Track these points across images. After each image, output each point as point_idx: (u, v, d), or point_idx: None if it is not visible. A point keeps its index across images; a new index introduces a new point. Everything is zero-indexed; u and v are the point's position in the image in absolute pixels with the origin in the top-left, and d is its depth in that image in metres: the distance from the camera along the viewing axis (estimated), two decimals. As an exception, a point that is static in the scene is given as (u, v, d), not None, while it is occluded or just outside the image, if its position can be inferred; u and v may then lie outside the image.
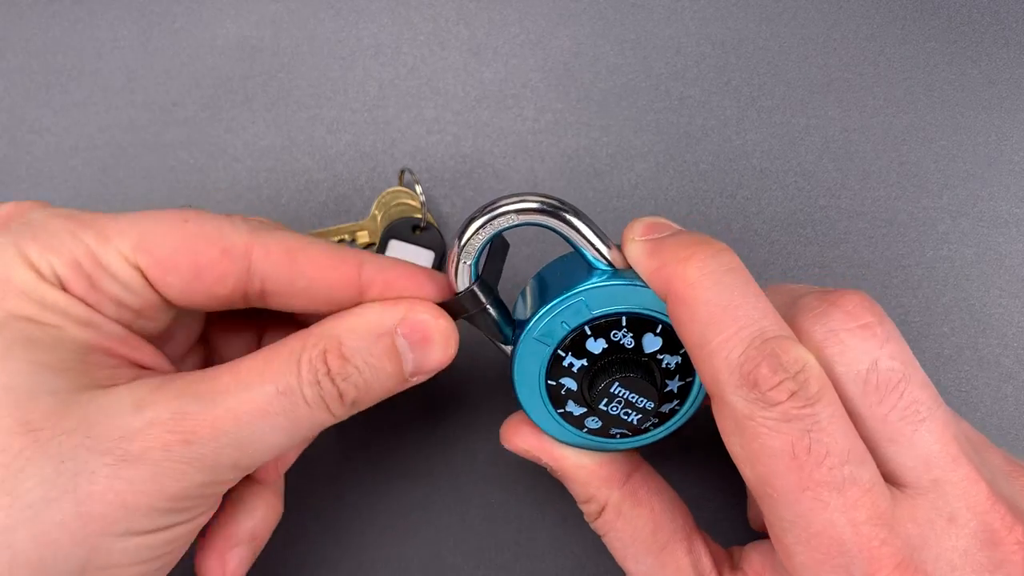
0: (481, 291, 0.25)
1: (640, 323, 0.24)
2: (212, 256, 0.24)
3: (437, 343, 0.24)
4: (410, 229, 0.33)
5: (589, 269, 0.24)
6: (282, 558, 0.32)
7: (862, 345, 0.21)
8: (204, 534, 0.27)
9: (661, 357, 0.25)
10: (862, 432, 0.21)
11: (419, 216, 0.33)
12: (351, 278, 0.24)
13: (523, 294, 0.27)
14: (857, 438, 0.21)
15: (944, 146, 0.34)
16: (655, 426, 0.26)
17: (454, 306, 0.25)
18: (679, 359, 0.25)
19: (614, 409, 0.25)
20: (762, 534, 0.26)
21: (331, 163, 0.34)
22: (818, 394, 0.20)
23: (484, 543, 0.32)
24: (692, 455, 0.32)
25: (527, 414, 0.26)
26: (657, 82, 0.34)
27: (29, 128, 0.34)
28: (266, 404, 0.22)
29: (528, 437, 0.27)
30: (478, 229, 0.23)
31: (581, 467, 0.27)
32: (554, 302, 0.24)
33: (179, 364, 0.27)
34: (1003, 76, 0.34)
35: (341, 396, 0.23)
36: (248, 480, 0.27)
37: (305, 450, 0.33)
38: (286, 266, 0.24)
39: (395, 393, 0.24)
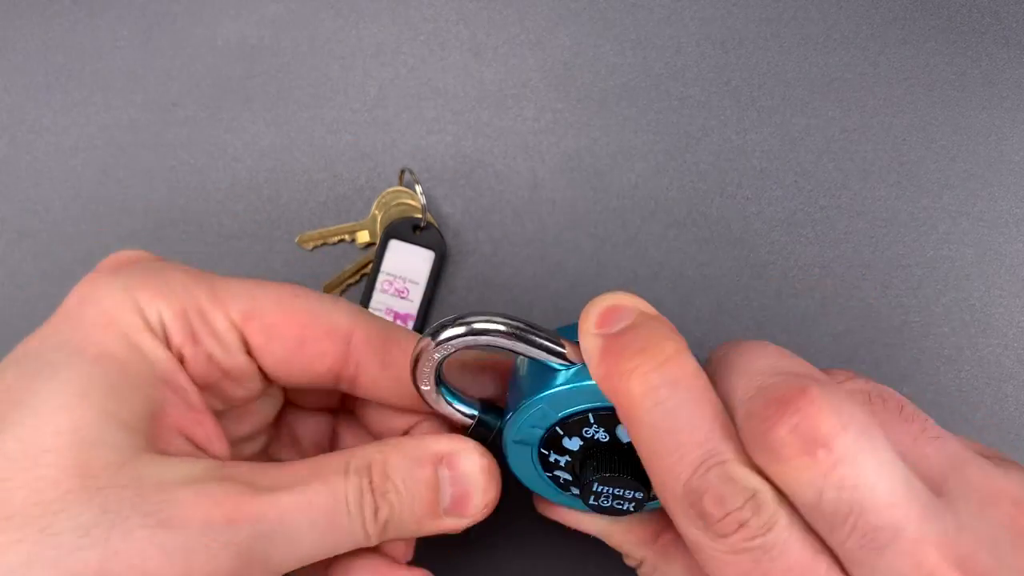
0: (486, 417, 0.25)
1: (609, 417, 0.23)
2: (317, 333, 0.24)
3: (478, 481, 0.24)
4: (410, 229, 0.33)
5: (548, 373, 0.24)
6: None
7: (804, 476, 0.19)
8: None
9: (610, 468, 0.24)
10: (825, 549, 0.19)
11: (419, 216, 0.33)
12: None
13: (512, 379, 0.26)
14: (819, 556, 0.19)
15: (944, 146, 0.34)
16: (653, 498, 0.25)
17: (475, 437, 0.25)
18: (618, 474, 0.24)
19: (605, 503, 0.24)
20: None
21: (331, 163, 0.34)
22: (769, 521, 0.19)
23: (484, 543, 0.32)
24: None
25: (544, 497, 0.27)
26: (657, 82, 0.34)
27: (29, 128, 0.34)
28: (312, 500, 0.22)
29: (559, 511, 0.28)
30: (424, 362, 0.23)
31: (610, 535, 0.28)
32: (519, 408, 0.24)
33: (238, 446, 0.27)
34: (1003, 76, 0.34)
35: (376, 511, 0.23)
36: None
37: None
38: (381, 354, 0.25)
39: (427, 533, 0.24)
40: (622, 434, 0.24)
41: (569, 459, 0.25)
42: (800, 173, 0.34)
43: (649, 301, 0.23)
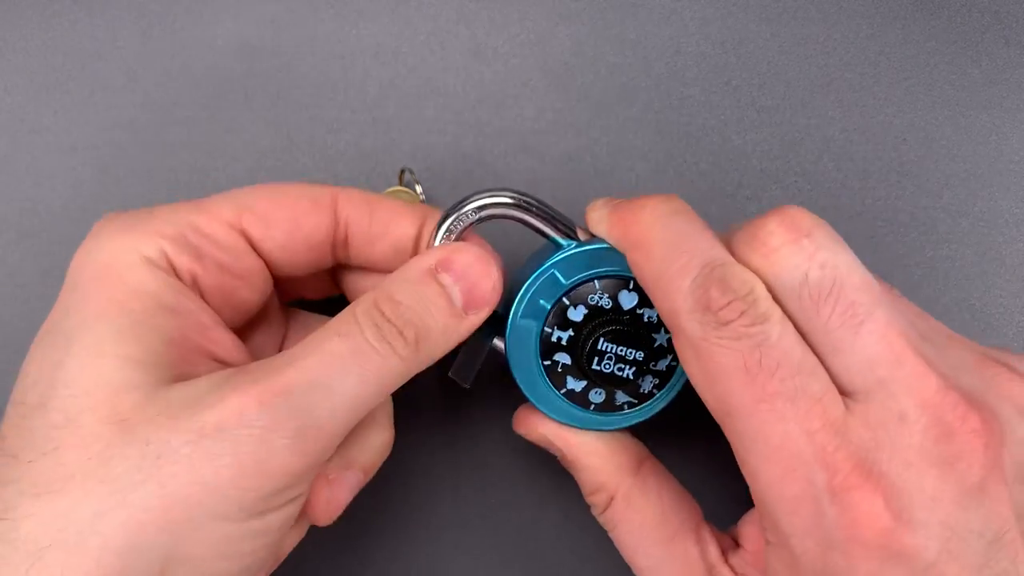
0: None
1: (612, 282, 0.26)
2: (305, 207, 0.26)
3: (477, 269, 0.25)
4: (410, 229, 0.33)
5: (556, 248, 0.26)
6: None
7: (791, 260, 0.22)
8: None
9: (641, 311, 0.26)
10: (811, 345, 0.22)
11: (419, 216, 0.33)
12: (415, 229, 0.26)
13: (508, 289, 0.27)
14: (807, 351, 0.21)
15: (944, 146, 0.34)
16: (658, 388, 0.27)
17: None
18: (626, 327, 0.26)
19: (607, 367, 0.26)
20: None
21: (331, 163, 0.34)
22: (766, 313, 0.21)
23: (484, 543, 0.32)
24: (693, 450, 0.32)
25: (535, 404, 0.27)
26: (657, 82, 0.34)
27: (29, 128, 0.34)
28: (334, 353, 0.22)
29: (541, 423, 0.28)
30: (447, 231, 0.26)
31: (593, 452, 0.27)
32: (528, 281, 0.26)
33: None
34: (1003, 76, 0.34)
35: (402, 334, 0.23)
36: None
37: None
38: (366, 213, 0.26)
39: (460, 337, 0.25)
40: (624, 300, 0.26)
41: (572, 334, 0.26)
42: (800, 173, 0.34)
43: (649, 301, 0.23)
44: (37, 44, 0.35)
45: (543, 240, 0.27)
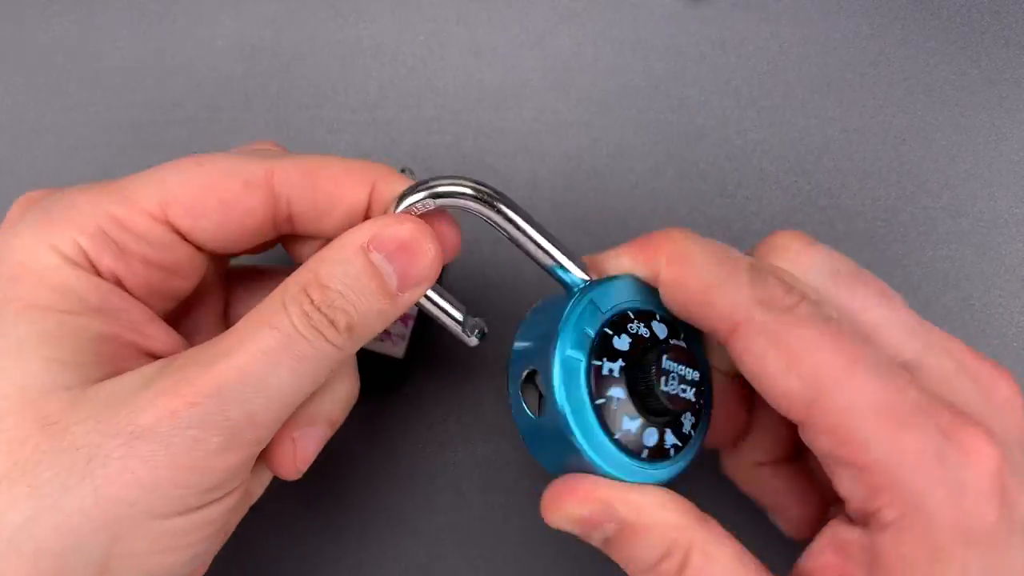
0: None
1: (643, 314, 0.24)
2: (235, 190, 0.24)
3: (411, 247, 0.23)
4: (410, 229, 0.33)
5: (568, 290, 0.24)
6: (282, 558, 0.32)
7: (816, 258, 0.24)
8: None
9: (674, 343, 0.24)
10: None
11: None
12: (366, 194, 0.25)
13: (516, 350, 0.25)
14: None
15: (944, 146, 0.34)
16: (694, 427, 0.25)
17: None
18: (684, 344, 0.25)
19: (672, 388, 0.23)
20: (805, 541, 0.25)
21: (331, 163, 0.34)
22: (819, 299, 0.23)
23: (484, 543, 0.32)
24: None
25: (593, 458, 0.23)
26: (657, 82, 0.34)
27: (30, 128, 0.34)
28: (263, 347, 0.21)
29: (592, 490, 0.23)
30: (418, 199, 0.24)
31: (663, 506, 0.23)
32: (567, 313, 0.23)
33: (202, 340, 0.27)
34: (1003, 76, 0.34)
35: (333, 323, 0.22)
36: None
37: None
38: (308, 186, 0.24)
39: (396, 315, 0.23)
40: (659, 330, 0.24)
41: (623, 363, 0.23)
42: (800, 173, 0.34)
43: (649, 301, 0.23)
44: (37, 44, 0.35)
45: (536, 294, 0.26)
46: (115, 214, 0.23)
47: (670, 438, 0.24)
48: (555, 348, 0.23)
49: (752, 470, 0.28)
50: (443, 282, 0.29)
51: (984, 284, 0.34)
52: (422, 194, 0.24)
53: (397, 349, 0.33)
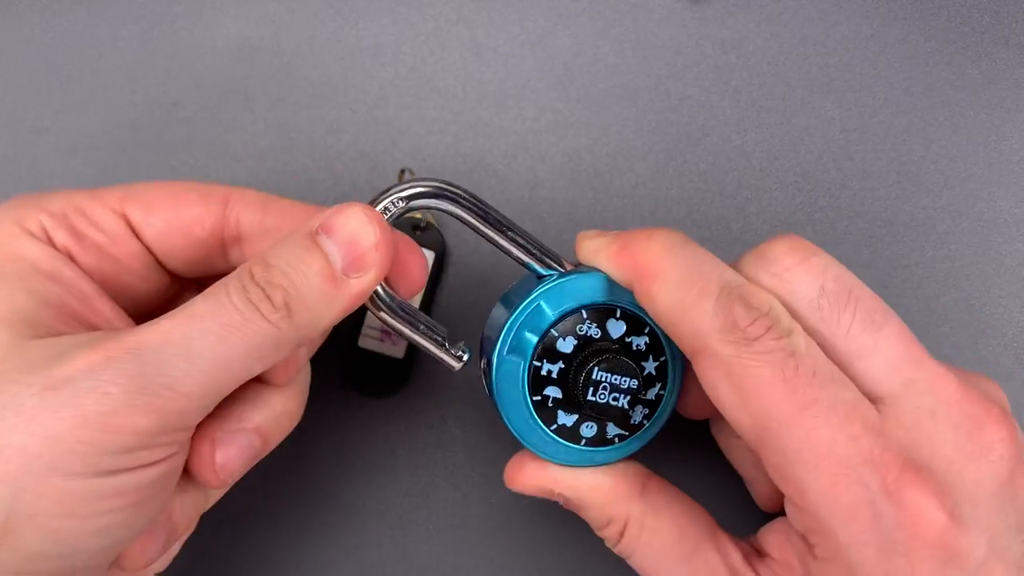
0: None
1: (599, 312, 0.25)
2: (191, 198, 0.26)
3: (358, 231, 0.23)
4: (410, 229, 0.33)
5: (538, 279, 0.26)
6: (281, 558, 0.32)
7: (805, 277, 0.23)
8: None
9: (630, 340, 0.26)
10: (832, 358, 0.22)
11: (419, 216, 0.33)
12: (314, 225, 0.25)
13: (487, 326, 0.27)
14: (832, 363, 0.22)
15: (944, 146, 0.34)
16: (647, 417, 0.26)
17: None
18: (647, 339, 0.26)
19: (602, 397, 0.25)
20: (776, 514, 0.26)
21: (331, 163, 0.34)
22: (789, 327, 0.22)
23: (484, 543, 0.32)
24: (694, 460, 0.32)
25: (523, 441, 0.26)
26: (657, 82, 0.34)
27: (29, 128, 0.34)
28: (191, 315, 0.21)
29: (536, 473, 0.27)
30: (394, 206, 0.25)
31: (596, 488, 0.26)
32: (515, 314, 0.25)
33: None
34: (1003, 76, 0.34)
35: (269, 298, 0.22)
36: (257, 380, 0.26)
37: (302, 450, 0.33)
38: (259, 211, 0.26)
39: (346, 303, 0.23)
40: (613, 329, 0.25)
41: (563, 366, 0.25)
42: (800, 173, 0.34)
43: (649, 301, 0.24)
44: (37, 44, 0.35)
45: (526, 273, 0.26)
46: (78, 203, 0.25)
47: (613, 429, 0.26)
48: (495, 350, 0.25)
49: (731, 441, 0.29)
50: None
51: (984, 284, 0.34)
52: (389, 198, 0.25)
53: (397, 349, 0.33)
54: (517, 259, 0.26)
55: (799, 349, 0.21)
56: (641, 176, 0.34)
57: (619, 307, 0.25)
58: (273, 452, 0.32)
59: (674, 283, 0.23)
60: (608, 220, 0.34)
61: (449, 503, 0.32)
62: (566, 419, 0.26)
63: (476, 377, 0.33)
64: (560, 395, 0.26)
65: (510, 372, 0.25)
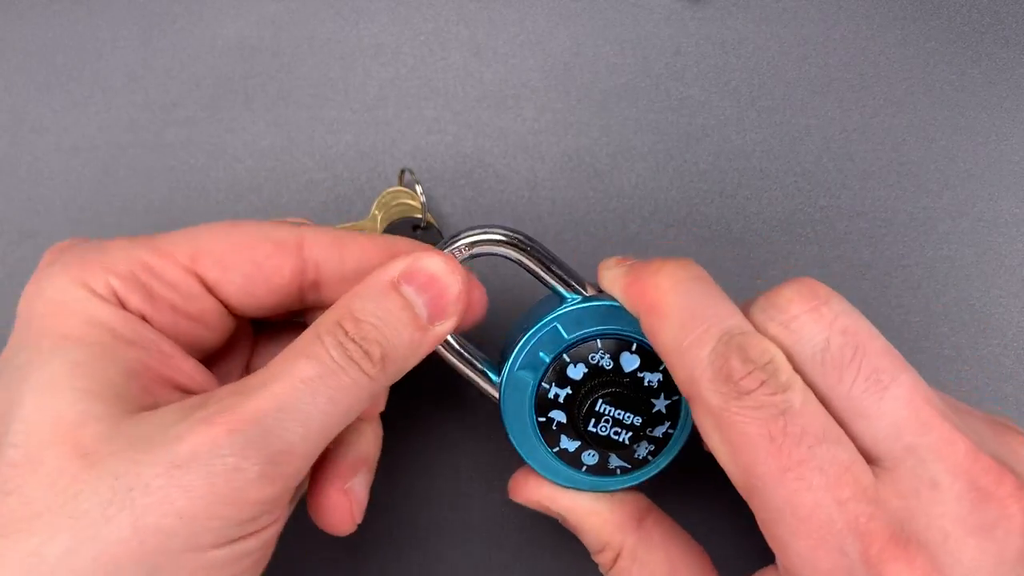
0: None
1: (615, 343, 0.25)
2: (267, 250, 0.25)
3: (439, 280, 0.24)
4: (410, 229, 0.33)
5: (560, 300, 0.26)
6: (281, 558, 0.32)
7: (812, 328, 0.22)
8: (314, 474, 0.26)
9: (642, 375, 0.25)
10: (833, 414, 0.21)
11: (419, 216, 0.33)
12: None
13: (506, 338, 0.27)
14: (831, 420, 0.21)
15: (944, 146, 0.34)
16: (652, 454, 0.26)
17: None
18: (660, 376, 0.25)
19: (603, 429, 0.25)
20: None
21: (331, 163, 0.34)
22: (787, 382, 0.21)
23: (484, 543, 0.32)
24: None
25: (525, 458, 0.27)
26: (657, 82, 0.34)
27: (30, 128, 0.34)
28: (302, 376, 0.22)
29: (536, 488, 0.27)
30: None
31: (594, 513, 0.26)
32: (529, 333, 0.25)
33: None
34: (1003, 76, 0.34)
35: (368, 354, 0.23)
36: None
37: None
38: (336, 252, 0.25)
39: (428, 348, 0.24)
40: (626, 362, 0.25)
41: (570, 392, 0.26)
42: (800, 173, 0.34)
43: (649, 301, 0.24)
44: (37, 44, 0.35)
45: (547, 291, 0.26)
46: (146, 260, 0.24)
47: (615, 460, 0.26)
48: (507, 364, 0.25)
49: None
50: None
51: (984, 284, 0.34)
52: (454, 245, 0.25)
53: None
54: (543, 281, 0.26)
55: (792, 406, 0.21)
56: (641, 176, 0.34)
57: (635, 340, 0.25)
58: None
59: (675, 323, 0.22)
60: (608, 220, 0.34)
61: (449, 503, 0.32)
62: (568, 444, 0.26)
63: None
64: (565, 420, 0.26)
65: (519, 388, 0.26)
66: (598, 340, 0.25)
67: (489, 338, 0.30)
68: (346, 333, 0.22)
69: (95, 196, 0.34)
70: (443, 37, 0.35)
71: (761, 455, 0.20)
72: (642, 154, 0.34)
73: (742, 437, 0.21)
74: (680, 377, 0.22)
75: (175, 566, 0.20)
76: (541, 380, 0.25)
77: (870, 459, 0.21)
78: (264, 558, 0.24)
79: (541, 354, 0.25)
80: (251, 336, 0.28)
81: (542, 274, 0.26)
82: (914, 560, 0.20)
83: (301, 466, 0.22)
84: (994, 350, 0.33)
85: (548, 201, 0.34)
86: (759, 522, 0.22)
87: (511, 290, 0.33)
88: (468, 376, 0.26)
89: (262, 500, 0.21)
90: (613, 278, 0.25)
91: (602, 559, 0.27)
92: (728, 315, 0.22)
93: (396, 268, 0.24)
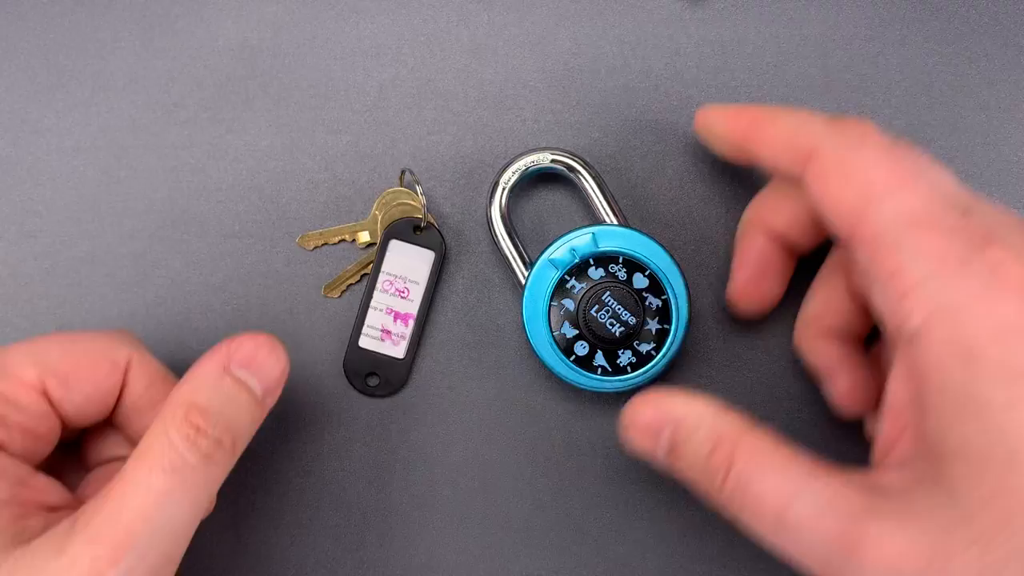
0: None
1: (633, 264, 0.30)
2: (106, 369, 0.26)
3: (267, 356, 0.26)
4: (411, 229, 0.33)
5: (601, 222, 0.31)
6: (282, 558, 0.32)
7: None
8: None
9: (646, 296, 0.30)
10: None
11: (419, 216, 0.33)
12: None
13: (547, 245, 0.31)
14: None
15: (944, 146, 0.34)
16: (656, 350, 0.30)
17: None
18: (660, 303, 0.30)
19: (602, 317, 0.29)
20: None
21: (331, 163, 0.34)
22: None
23: (484, 542, 0.32)
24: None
25: (528, 336, 0.30)
26: (657, 82, 0.35)
27: (31, 128, 0.34)
28: (162, 488, 0.23)
29: (650, 402, 0.26)
30: (515, 168, 0.32)
31: (707, 408, 0.25)
32: (569, 233, 0.30)
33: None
34: (1003, 76, 0.34)
35: (220, 443, 0.24)
36: None
37: (302, 450, 0.33)
38: (147, 384, 0.27)
39: (261, 420, 0.26)
40: (637, 281, 0.30)
41: (585, 287, 0.30)
42: (800, 173, 0.34)
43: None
44: (38, 44, 0.35)
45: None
46: (1, 389, 0.25)
47: (626, 357, 0.30)
48: (542, 255, 0.31)
49: (819, 338, 0.30)
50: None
51: (984, 284, 0.34)
52: (512, 168, 0.32)
53: (397, 349, 0.33)
54: (593, 203, 0.32)
55: (903, 146, 0.25)
56: (641, 176, 0.34)
57: (650, 268, 0.30)
58: (273, 452, 0.32)
59: (785, 115, 0.27)
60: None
61: (449, 502, 0.32)
62: (567, 330, 0.30)
63: (476, 379, 0.33)
64: (572, 308, 0.30)
65: (545, 274, 0.30)
66: (621, 257, 0.30)
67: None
68: (197, 429, 0.24)
69: (96, 197, 0.34)
70: (443, 37, 0.35)
71: (882, 171, 0.24)
72: (642, 154, 0.34)
73: (865, 160, 0.24)
74: (799, 145, 0.26)
75: None
76: (565, 271, 0.30)
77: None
78: None
79: (572, 251, 0.30)
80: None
81: (595, 195, 0.32)
82: (1008, 252, 0.21)
83: (176, 562, 0.24)
84: (993, 350, 0.33)
85: (548, 201, 0.34)
86: (863, 244, 0.23)
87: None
88: (509, 255, 0.32)
89: None
90: (717, 114, 0.30)
91: (717, 460, 0.24)
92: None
93: (221, 352, 0.25)
